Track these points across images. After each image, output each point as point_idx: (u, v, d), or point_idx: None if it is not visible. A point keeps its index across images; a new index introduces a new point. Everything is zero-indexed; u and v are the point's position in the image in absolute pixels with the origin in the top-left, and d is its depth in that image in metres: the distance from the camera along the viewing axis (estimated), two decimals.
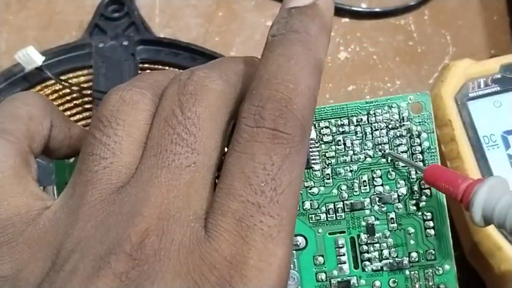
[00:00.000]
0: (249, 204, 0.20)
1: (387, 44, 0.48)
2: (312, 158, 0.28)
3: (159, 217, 0.20)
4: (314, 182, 0.28)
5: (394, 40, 0.49)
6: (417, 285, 0.28)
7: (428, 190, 0.28)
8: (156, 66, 0.46)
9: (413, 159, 0.27)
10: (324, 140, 0.28)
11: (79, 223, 0.21)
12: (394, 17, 0.49)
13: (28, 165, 0.24)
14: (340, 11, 0.49)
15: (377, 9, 0.49)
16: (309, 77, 0.22)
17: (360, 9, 0.49)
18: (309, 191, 0.28)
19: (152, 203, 0.20)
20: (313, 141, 0.28)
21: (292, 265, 0.28)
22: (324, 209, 0.28)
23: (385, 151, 0.28)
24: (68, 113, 0.44)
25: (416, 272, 0.28)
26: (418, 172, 0.27)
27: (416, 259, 0.28)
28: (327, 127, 0.28)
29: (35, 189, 0.23)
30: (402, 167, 0.28)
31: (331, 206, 0.28)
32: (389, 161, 0.28)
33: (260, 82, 0.21)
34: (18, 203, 0.22)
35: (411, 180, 0.28)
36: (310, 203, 0.28)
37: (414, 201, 0.28)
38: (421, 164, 0.28)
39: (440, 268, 0.28)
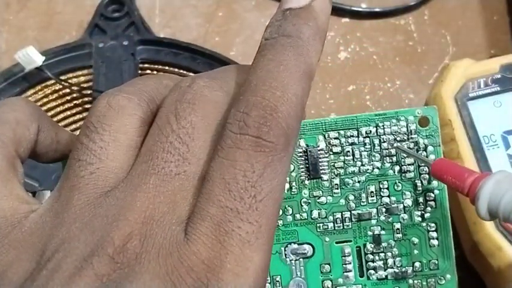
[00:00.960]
0: (227, 209, 0.20)
1: (387, 44, 0.49)
2: (321, 168, 0.28)
3: (143, 222, 0.21)
4: (322, 192, 0.28)
5: (394, 40, 0.49)
6: None
7: (434, 202, 0.28)
8: (156, 66, 0.46)
9: (419, 172, 0.28)
10: (333, 151, 0.28)
11: (64, 225, 0.21)
12: (394, 17, 0.50)
13: (14, 169, 0.24)
14: (340, 11, 0.50)
15: (377, 9, 0.50)
16: (297, 84, 0.22)
17: (360, 9, 0.50)
18: (317, 201, 0.28)
19: (138, 208, 0.21)
20: (323, 152, 0.28)
21: (299, 273, 0.28)
22: (331, 218, 0.28)
23: (393, 145, 0.28)
24: (68, 113, 0.45)
25: (420, 281, 0.28)
26: (426, 166, 0.28)
27: (420, 268, 0.28)
28: (336, 138, 0.28)
29: (21, 193, 0.23)
30: (408, 173, 0.28)
31: (339, 215, 0.28)
32: (396, 156, 0.28)
33: (248, 88, 0.22)
34: (4, 206, 0.22)
35: (417, 192, 0.28)
36: (318, 212, 0.28)
37: (419, 213, 0.28)
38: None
39: (442, 278, 0.28)
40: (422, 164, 0.28)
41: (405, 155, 0.28)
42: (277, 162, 0.21)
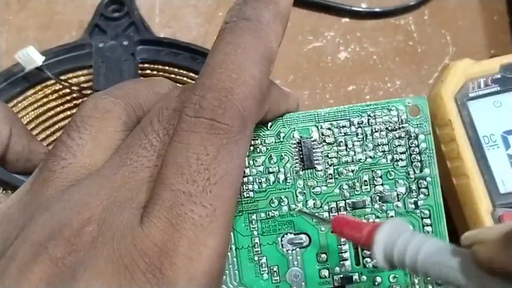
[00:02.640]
0: (179, 193, 0.20)
1: (387, 44, 0.50)
2: (314, 158, 0.30)
3: (104, 208, 0.21)
4: (317, 182, 0.30)
5: (394, 40, 0.50)
6: (416, 281, 0.30)
7: (426, 189, 0.30)
8: (156, 66, 0.47)
9: (411, 160, 0.30)
10: (327, 141, 0.30)
11: (29, 214, 0.22)
12: (394, 17, 0.51)
13: None
14: (340, 11, 0.51)
15: (377, 9, 0.51)
16: (254, 67, 0.22)
17: (360, 9, 0.51)
18: (312, 191, 0.30)
19: (102, 195, 0.21)
20: (316, 143, 0.30)
21: (296, 262, 0.30)
22: (326, 207, 0.30)
23: (294, 209, 0.30)
24: (68, 113, 0.45)
25: None
26: (326, 224, 0.29)
27: None
28: (329, 129, 0.30)
29: None
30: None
31: (334, 204, 0.30)
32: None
33: (205, 71, 0.22)
34: None
35: (410, 179, 0.30)
36: (314, 202, 0.30)
37: (412, 200, 0.30)
38: (327, 216, 0.30)
39: None
40: (415, 153, 0.30)
41: (305, 217, 0.30)
42: (233, 145, 0.21)
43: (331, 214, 0.30)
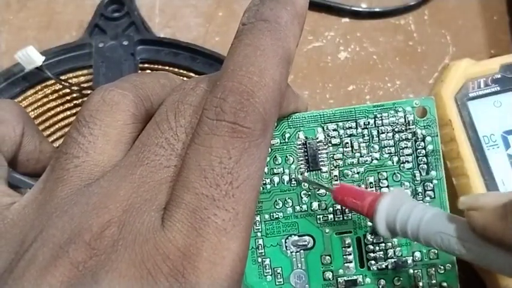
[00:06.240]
0: (203, 196, 0.20)
1: (387, 44, 0.50)
2: (320, 160, 0.29)
3: (124, 210, 0.21)
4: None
5: (394, 40, 0.50)
6: (420, 284, 0.29)
7: (432, 192, 0.29)
8: (156, 66, 0.47)
9: (417, 162, 0.29)
10: (332, 143, 0.29)
11: (45, 215, 0.22)
12: (394, 17, 0.51)
13: None
14: (340, 11, 0.51)
15: (377, 9, 0.51)
16: (275, 69, 0.22)
17: (360, 9, 0.51)
18: (317, 192, 0.29)
19: (120, 197, 0.21)
20: (322, 144, 0.29)
21: (300, 264, 0.29)
22: (331, 209, 0.29)
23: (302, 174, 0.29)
24: (68, 112, 0.45)
25: (420, 270, 0.29)
26: (328, 192, 0.29)
27: (420, 258, 0.29)
28: (335, 130, 0.29)
29: (2, 187, 0.24)
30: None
31: (339, 206, 0.29)
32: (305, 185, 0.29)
33: (225, 73, 0.22)
34: None
35: (416, 182, 0.29)
36: (318, 204, 0.29)
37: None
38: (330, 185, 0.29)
39: (442, 267, 0.29)
40: (421, 155, 0.29)
41: (310, 185, 0.29)
42: (255, 148, 0.21)
43: (336, 216, 0.29)
